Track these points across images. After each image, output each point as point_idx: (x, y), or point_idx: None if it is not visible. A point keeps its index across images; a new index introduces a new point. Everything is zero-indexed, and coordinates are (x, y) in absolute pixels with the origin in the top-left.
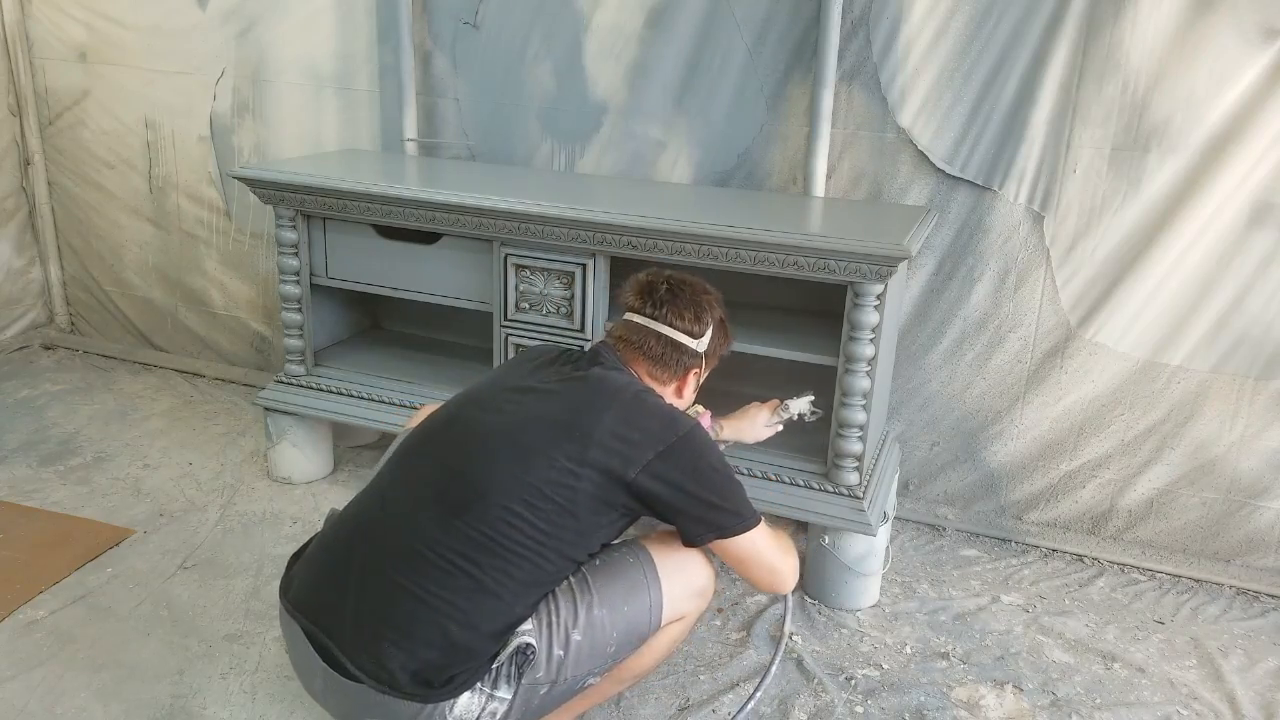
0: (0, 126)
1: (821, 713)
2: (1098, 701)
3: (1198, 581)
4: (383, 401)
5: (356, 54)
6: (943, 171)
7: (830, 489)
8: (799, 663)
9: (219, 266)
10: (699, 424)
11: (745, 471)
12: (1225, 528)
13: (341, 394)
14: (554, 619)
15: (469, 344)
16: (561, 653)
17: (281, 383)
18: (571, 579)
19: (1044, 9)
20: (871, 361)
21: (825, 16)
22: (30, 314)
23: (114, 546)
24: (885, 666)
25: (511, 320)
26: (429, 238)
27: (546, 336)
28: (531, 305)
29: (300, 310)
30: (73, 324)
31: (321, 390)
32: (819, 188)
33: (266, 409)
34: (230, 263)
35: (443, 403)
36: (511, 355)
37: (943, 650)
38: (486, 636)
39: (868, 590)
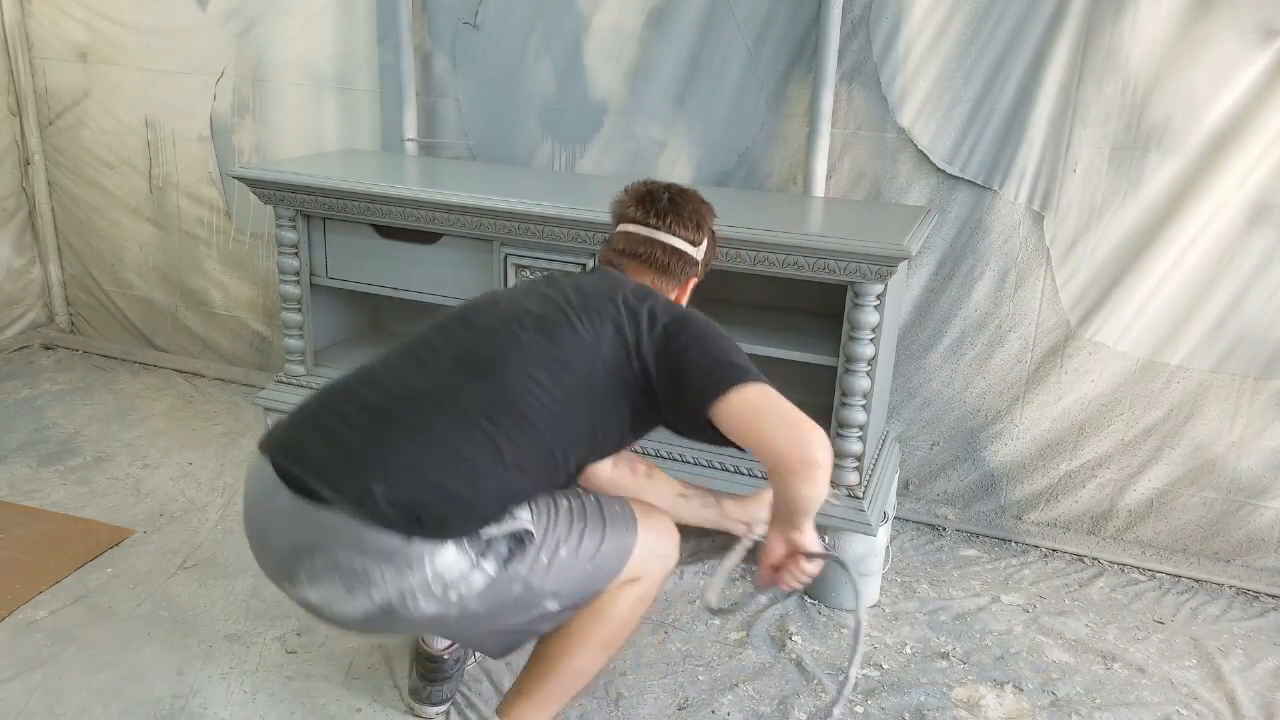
0: (0, 126)
1: (823, 712)
2: (1098, 701)
3: (1198, 581)
4: None
5: (356, 54)
6: (943, 171)
7: (830, 489)
8: (799, 663)
9: (219, 266)
10: None
11: (746, 471)
12: (1225, 527)
13: None
14: (550, 527)
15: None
16: (546, 560)
17: (282, 383)
18: (571, 502)
19: (1044, 9)
20: (871, 361)
21: (825, 16)
22: (30, 314)
23: (114, 546)
24: (885, 666)
25: None
26: (429, 238)
27: None
28: None
29: (300, 310)
30: (73, 324)
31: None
32: (819, 188)
33: (267, 409)
34: (230, 263)
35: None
36: None
37: (943, 650)
38: (485, 499)
39: (868, 590)
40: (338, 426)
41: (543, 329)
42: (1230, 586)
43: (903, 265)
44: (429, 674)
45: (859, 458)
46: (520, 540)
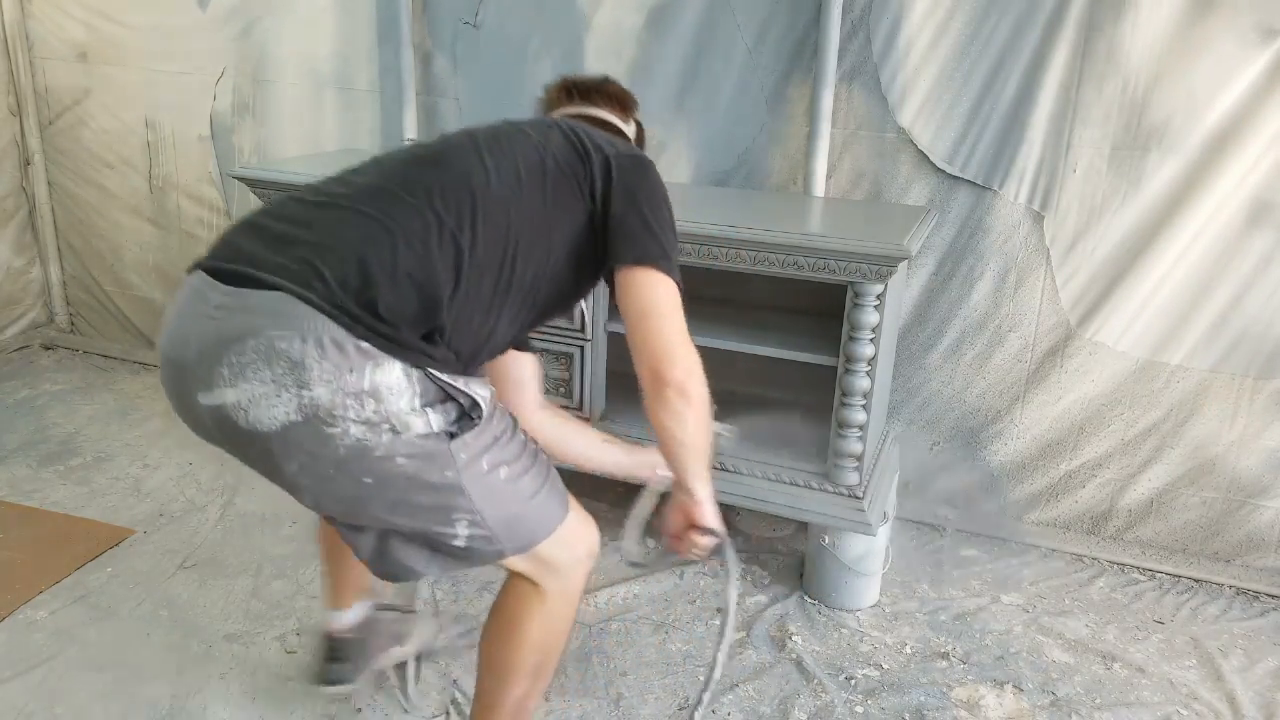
0: (0, 126)
1: (821, 713)
2: (1097, 701)
3: (1198, 581)
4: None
5: (357, 54)
6: (943, 171)
7: (830, 489)
8: (799, 663)
9: None
10: None
11: (745, 471)
12: (1225, 527)
13: None
14: (505, 437)
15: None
16: (486, 468)
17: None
18: (527, 439)
19: (1044, 9)
20: (871, 361)
21: (825, 16)
22: (30, 314)
23: (114, 546)
24: (885, 666)
25: None
26: None
27: (547, 336)
28: None
29: None
30: (73, 324)
31: None
32: (819, 188)
33: None
34: None
35: None
36: None
37: (943, 650)
38: (443, 301)
39: (868, 590)
40: (278, 226)
41: (491, 131)
42: (1230, 586)
43: (903, 265)
44: (329, 654)
45: (859, 458)
46: (468, 415)
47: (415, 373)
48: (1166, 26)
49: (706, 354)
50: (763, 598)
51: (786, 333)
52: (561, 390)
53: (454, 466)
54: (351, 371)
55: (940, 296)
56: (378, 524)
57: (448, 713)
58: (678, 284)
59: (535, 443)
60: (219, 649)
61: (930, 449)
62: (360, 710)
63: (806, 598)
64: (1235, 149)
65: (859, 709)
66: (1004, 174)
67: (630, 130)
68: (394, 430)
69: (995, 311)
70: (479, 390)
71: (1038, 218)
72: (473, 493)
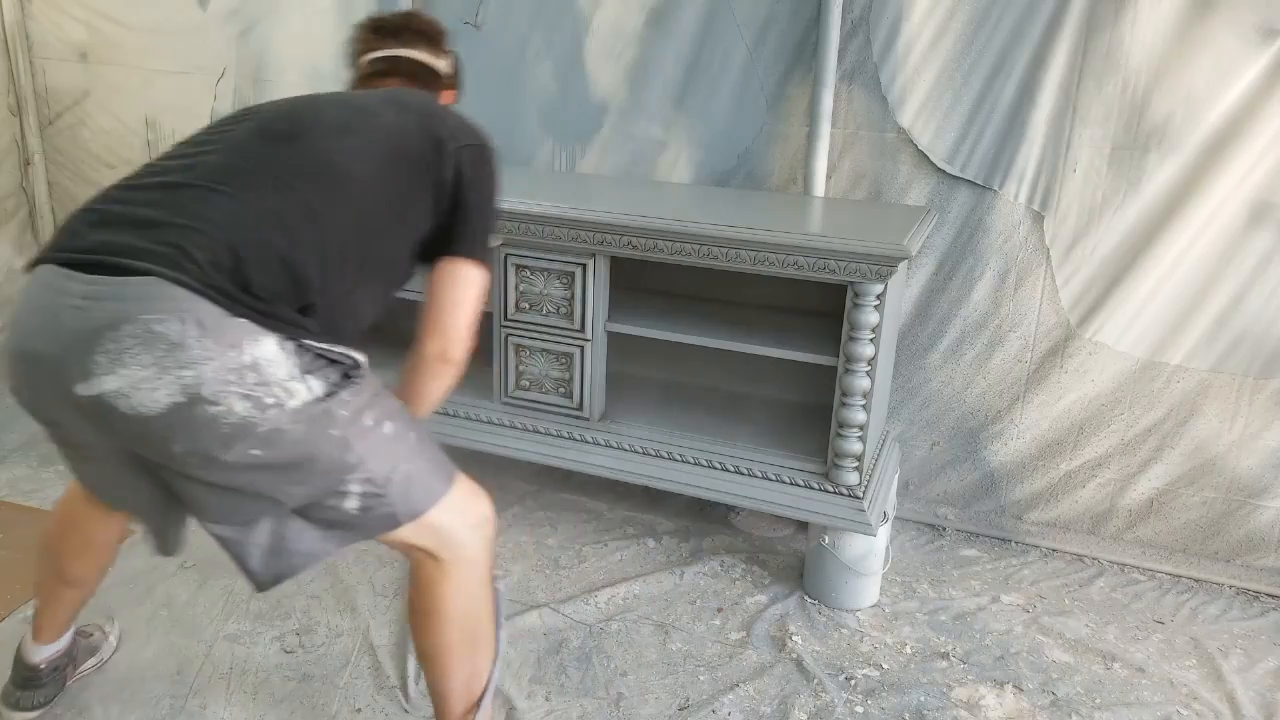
0: (0, 126)
1: (821, 713)
2: (1097, 701)
3: (1198, 581)
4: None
5: None
6: (943, 171)
7: (830, 489)
8: (799, 663)
9: None
10: None
11: (745, 471)
12: (1225, 527)
13: None
14: (381, 397)
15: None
16: (371, 423)
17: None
18: (401, 404)
19: (1044, 9)
20: (871, 361)
21: (825, 16)
22: None
23: None
24: (885, 666)
25: (511, 320)
26: None
27: (547, 336)
28: (531, 305)
29: None
30: None
31: None
32: (819, 188)
33: None
34: None
35: None
36: (508, 352)
37: (943, 650)
38: (310, 276)
39: (868, 590)
40: (133, 211)
41: (342, 103)
42: (1230, 586)
43: (903, 265)
44: (23, 681)
45: (859, 458)
46: (348, 375)
47: (290, 344)
48: (1166, 26)
49: (707, 354)
50: (763, 598)
51: (786, 333)
52: (561, 390)
53: (339, 424)
54: (232, 348)
55: (940, 296)
56: (270, 504)
57: None
58: (489, 271)
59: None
60: (219, 649)
61: (930, 449)
62: (360, 710)
63: (806, 598)
64: (1235, 149)
65: (859, 709)
66: (1004, 174)
67: (444, 64)
68: (277, 401)
69: (995, 311)
70: (356, 353)
71: (1038, 218)
72: (360, 448)
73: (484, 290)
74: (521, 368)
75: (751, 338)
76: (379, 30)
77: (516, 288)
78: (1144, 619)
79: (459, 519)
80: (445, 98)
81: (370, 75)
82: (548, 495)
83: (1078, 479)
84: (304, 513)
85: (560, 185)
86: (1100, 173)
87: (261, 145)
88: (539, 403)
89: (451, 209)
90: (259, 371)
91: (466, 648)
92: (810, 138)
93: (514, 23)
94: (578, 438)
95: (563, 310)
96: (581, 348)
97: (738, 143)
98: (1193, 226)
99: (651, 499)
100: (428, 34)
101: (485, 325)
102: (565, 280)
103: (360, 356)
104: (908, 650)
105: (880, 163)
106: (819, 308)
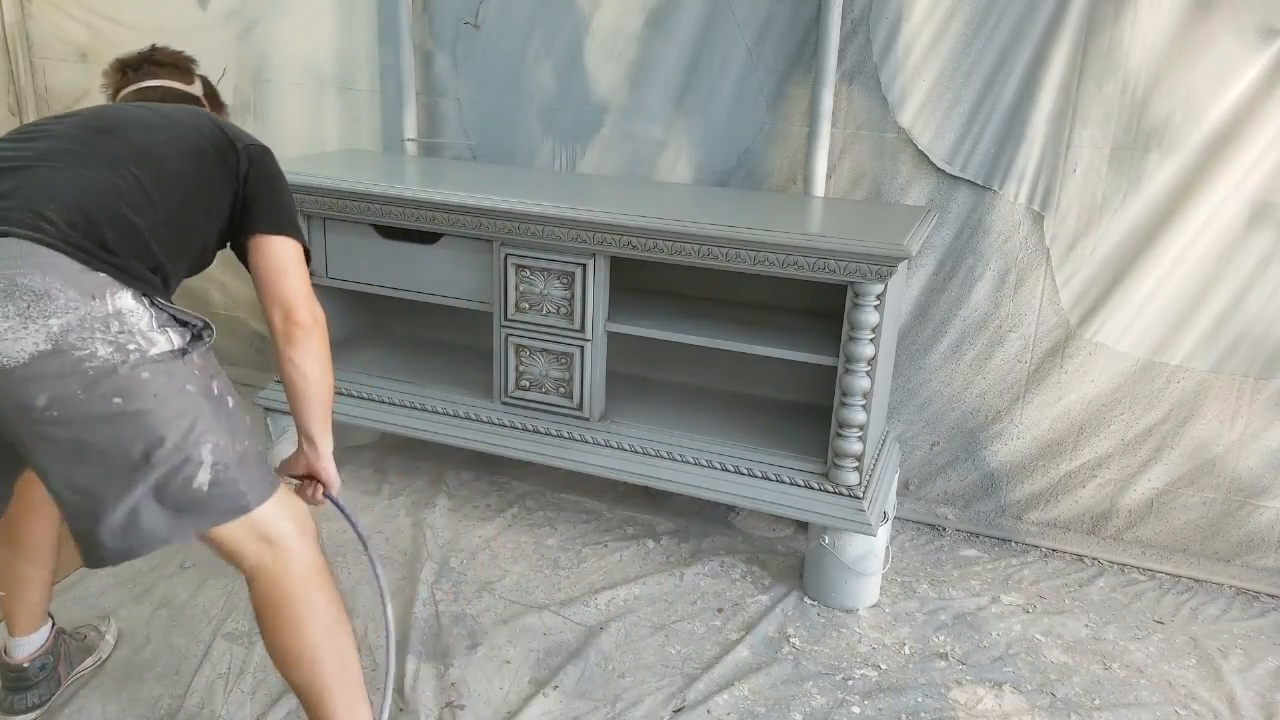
0: (0, 127)
1: (818, 713)
2: (1097, 702)
3: (1198, 581)
4: (382, 401)
5: (358, 54)
6: (943, 171)
7: (830, 489)
8: (797, 663)
9: (219, 266)
10: None
11: (745, 471)
12: (1225, 527)
13: (341, 393)
14: (222, 373)
15: (469, 344)
16: (218, 392)
17: (281, 383)
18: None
19: (1044, 9)
20: (871, 361)
21: (825, 16)
22: None
23: None
24: (884, 667)
25: (511, 320)
26: (429, 238)
27: (547, 336)
28: (531, 305)
29: None
30: None
31: None
32: (819, 188)
33: (266, 409)
34: (230, 262)
35: None
36: (508, 352)
37: (942, 650)
38: (147, 233)
39: (867, 590)
40: None
41: (144, 109)
42: (1230, 586)
43: (903, 265)
44: (13, 684)
45: (859, 458)
46: (199, 337)
47: (144, 299)
48: (1166, 26)
49: (707, 354)
50: (763, 598)
51: (786, 333)
52: (561, 390)
53: (194, 380)
54: (94, 298)
55: (940, 296)
56: (125, 476)
57: (446, 713)
58: (305, 246)
59: None
60: (219, 649)
61: (930, 449)
62: None
63: (806, 598)
64: (1235, 149)
65: (856, 709)
66: (1004, 174)
67: (198, 88)
68: (139, 347)
69: (995, 311)
70: (202, 316)
71: (1038, 218)
72: (209, 411)
73: (303, 260)
74: (521, 368)
75: (751, 338)
76: (123, 68)
77: (516, 288)
78: (1144, 619)
79: (288, 522)
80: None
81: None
82: (548, 495)
83: (1078, 479)
84: (158, 493)
85: (560, 185)
86: (1100, 173)
87: (88, 135)
88: (539, 403)
89: (250, 197)
90: (122, 320)
91: (326, 637)
92: (810, 138)
93: (514, 23)
94: (578, 438)
95: (563, 310)
96: (581, 348)
97: (738, 143)
98: (1193, 227)
99: (651, 499)
100: (175, 64)
101: (485, 325)
102: (565, 280)
103: (208, 321)
104: (906, 650)
105: (880, 163)
106: (819, 308)
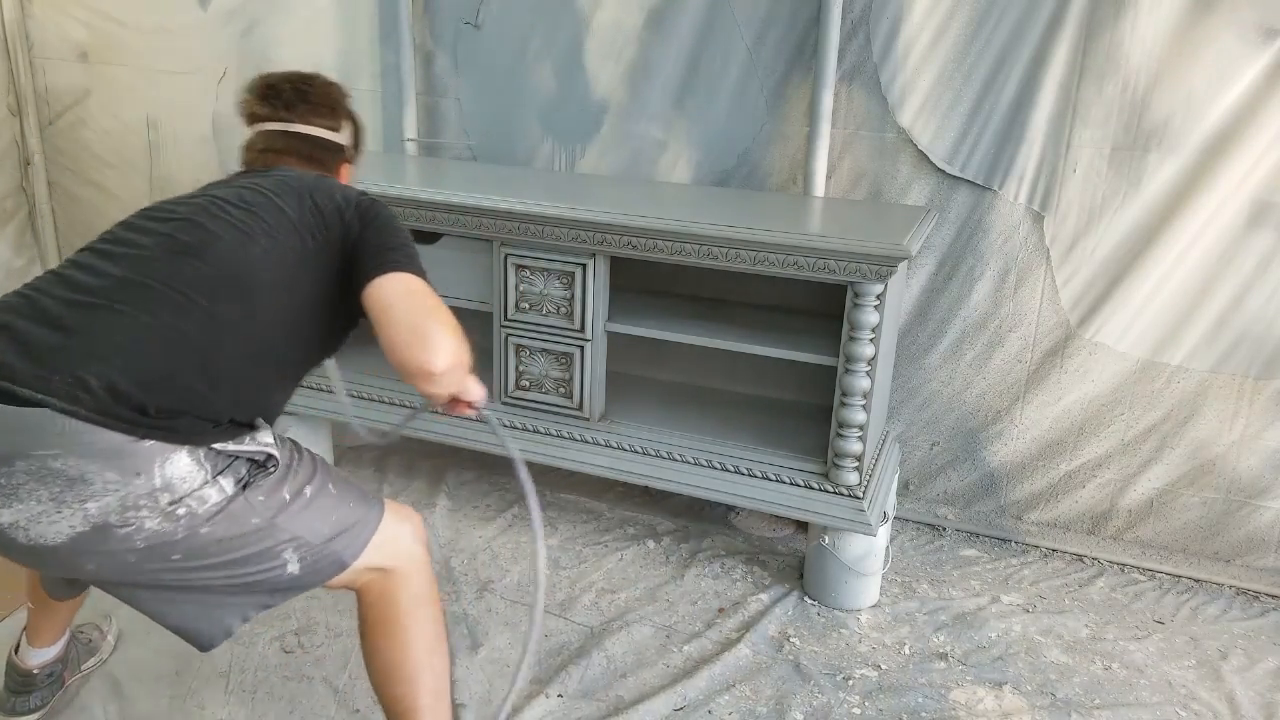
0: (0, 126)
1: (818, 713)
2: (1097, 702)
3: (1198, 581)
4: (382, 401)
5: (358, 54)
6: (943, 171)
7: (830, 489)
8: (796, 663)
9: None
10: None
11: (745, 471)
12: (1225, 527)
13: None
14: (295, 463)
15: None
16: (288, 497)
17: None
18: (316, 456)
19: (1044, 9)
20: (871, 361)
21: (825, 16)
22: None
23: None
24: (883, 667)
25: (511, 320)
26: (429, 238)
27: (547, 336)
28: (531, 305)
29: None
30: None
31: (321, 390)
32: (819, 188)
33: None
34: None
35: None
36: (508, 352)
37: (942, 650)
38: (216, 386)
39: (867, 590)
40: (26, 329)
41: (245, 205)
42: (1230, 586)
43: (903, 265)
44: (18, 686)
45: (859, 458)
46: (262, 465)
47: (201, 451)
48: (1166, 26)
49: (707, 354)
50: (763, 597)
51: (786, 333)
52: (561, 390)
53: (257, 512)
54: (139, 475)
55: (940, 296)
56: (202, 592)
57: None
58: (421, 272)
59: (319, 456)
60: (218, 649)
61: (930, 449)
62: (358, 711)
63: (806, 598)
64: (1235, 149)
65: (856, 710)
66: (1004, 174)
67: (344, 135)
68: (190, 510)
69: (995, 311)
70: (265, 440)
71: (1038, 218)
72: (286, 525)
73: (415, 285)
74: (521, 368)
75: (751, 338)
76: (267, 98)
77: (516, 288)
78: (1144, 619)
79: (399, 544)
80: (342, 174)
81: (263, 150)
82: (548, 495)
83: (1078, 479)
84: (250, 594)
85: (560, 185)
86: (1100, 173)
87: (171, 259)
88: (539, 403)
89: (363, 243)
90: (171, 490)
91: (428, 654)
92: (810, 138)
93: (514, 23)
94: (578, 438)
95: (563, 310)
96: (581, 348)
97: (738, 143)
98: (1193, 227)
99: (651, 499)
100: (326, 103)
101: (485, 325)
102: (565, 280)
103: (269, 438)
104: (906, 650)
105: (880, 163)
106: (819, 308)
